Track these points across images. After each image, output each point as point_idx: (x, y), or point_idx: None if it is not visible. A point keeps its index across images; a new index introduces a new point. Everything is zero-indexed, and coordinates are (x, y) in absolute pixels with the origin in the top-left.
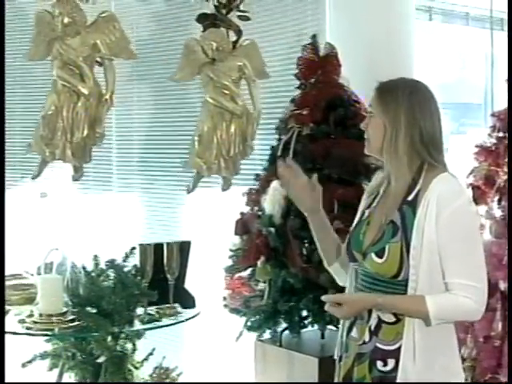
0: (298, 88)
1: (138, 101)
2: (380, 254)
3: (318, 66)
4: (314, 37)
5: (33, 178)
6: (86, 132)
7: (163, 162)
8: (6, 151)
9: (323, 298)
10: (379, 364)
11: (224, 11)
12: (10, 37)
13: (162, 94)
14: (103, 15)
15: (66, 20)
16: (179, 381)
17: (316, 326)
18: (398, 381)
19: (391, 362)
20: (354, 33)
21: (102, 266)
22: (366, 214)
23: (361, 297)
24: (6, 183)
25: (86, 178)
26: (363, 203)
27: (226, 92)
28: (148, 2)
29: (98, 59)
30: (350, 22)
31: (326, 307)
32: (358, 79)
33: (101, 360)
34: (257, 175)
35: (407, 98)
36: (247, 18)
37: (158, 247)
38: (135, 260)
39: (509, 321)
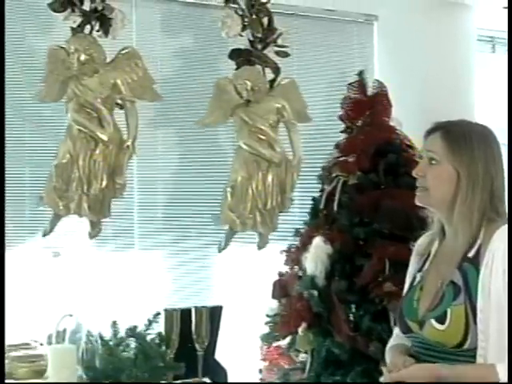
0: (343, 132)
1: (162, 148)
2: (441, 320)
3: (366, 107)
4: (360, 73)
5: (44, 235)
6: (104, 183)
7: (191, 217)
8: (14, 203)
9: (382, 380)
10: None
11: (260, 46)
12: (20, 75)
13: (190, 139)
14: (124, 52)
15: (82, 57)
16: None
17: None
18: None
19: None
20: (407, 68)
21: (122, 334)
22: (418, 277)
23: (423, 370)
24: (13, 240)
25: (105, 235)
26: (413, 266)
27: (263, 137)
28: (174, 36)
29: (119, 101)
30: (402, 56)
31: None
32: (412, 121)
33: None
34: (297, 231)
35: (483, 148)
36: (286, 54)
37: (186, 313)
38: (159, 327)
39: (509, 321)
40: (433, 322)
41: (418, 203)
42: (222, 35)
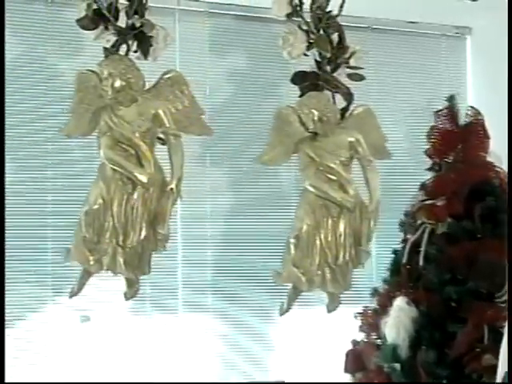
0: (429, 170)
1: (212, 191)
2: None
3: (458, 139)
4: (451, 99)
5: (71, 296)
6: (143, 233)
7: (247, 273)
8: (35, 257)
9: None
10: None
11: (329, 68)
12: (43, 104)
13: (246, 181)
14: (167, 76)
15: (117, 83)
16: None
17: None
18: None
19: None
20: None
21: None
22: None
23: None
24: (34, 302)
25: (143, 295)
26: None
27: (333, 177)
28: (225, 56)
29: (161, 135)
30: (501, 78)
31: None
32: None
33: None
34: (375, 290)
35: None
36: (360, 77)
37: None
38: None
39: (509, 321)
40: None
41: None
42: (283, 55)
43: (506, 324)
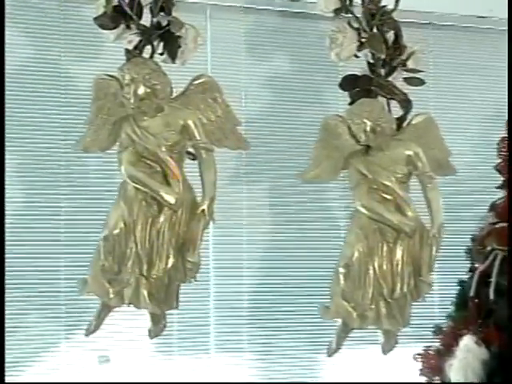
0: (500, 187)
1: (249, 212)
2: None
3: None
4: None
5: (87, 334)
6: (171, 262)
7: (289, 307)
8: (47, 289)
9: None
10: None
11: (383, 71)
12: (55, 114)
13: (286, 201)
14: (197, 82)
15: (141, 90)
16: None
17: None
18: None
19: None
20: None
21: None
22: None
23: None
24: (46, 340)
25: (170, 333)
26: None
27: (388, 197)
28: (263, 58)
29: (191, 149)
30: None
31: None
32: None
33: None
34: (437, 327)
35: None
36: (420, 82)
37: None
38: None
39: (509, 321)
40: None
41: None
42: (330, 57)
43: None
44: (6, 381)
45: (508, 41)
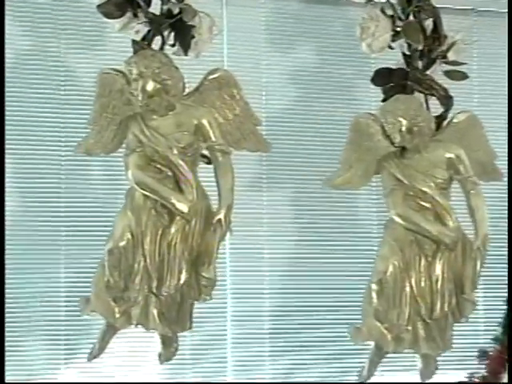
0: None
1: (270, 222)
2: None
3: None
4: None
5: (90, 359)
6: (183, 277)
7: (316, 328)
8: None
9: None
10: None
11: (421, 64)
12: (53, 113)
13: (312, 209)
14: (213, 76)
15: (149, 86)
16: None
17: None
18: None
19: None
20: None
21: None
22: None
23: None
24: (42, 366)
25: (182, 358)
26: None
27: (426, 205)
28: (285, 49)
29: (205, 152)
30: None
31: None
32: None
33: None
34: (483, 352)
35: None
36: (462, 76)
37: None
38: None
39: (509, 321)
40: None
41: None
42: (361, 48)
43: None
44: (6, 381)
45: (508, 41)
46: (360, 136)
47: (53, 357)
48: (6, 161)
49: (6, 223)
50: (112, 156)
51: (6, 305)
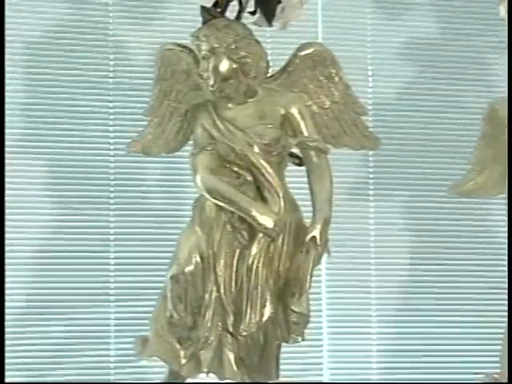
0: None
1: (377, 238)
2: None
3: None
4: None
5: None
6: (268, 312)
7: (438, 369)
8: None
9: None
10: None
11: None
12: (102, 102)
13: (430, 220)
14: (305, 53)
15: (224, 65)
16: None
17: None
18: None
19: None
20: None
21: None
22: None
23: None
24: None
25: None
26: None
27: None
28: (398, 19)
29: (295, 150)
30: None
31: None
32: None
33: None
34: None
35: None
36: None
37: None
38: None
39: (509, 321)
40: None
41: None
42: (498, 13)
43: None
44: (6, 381)
45: (508, 41)
46: (498, 128)
47: None
48: (42, 162)
49: (38, 229)
50: (174, 155)
51: None
